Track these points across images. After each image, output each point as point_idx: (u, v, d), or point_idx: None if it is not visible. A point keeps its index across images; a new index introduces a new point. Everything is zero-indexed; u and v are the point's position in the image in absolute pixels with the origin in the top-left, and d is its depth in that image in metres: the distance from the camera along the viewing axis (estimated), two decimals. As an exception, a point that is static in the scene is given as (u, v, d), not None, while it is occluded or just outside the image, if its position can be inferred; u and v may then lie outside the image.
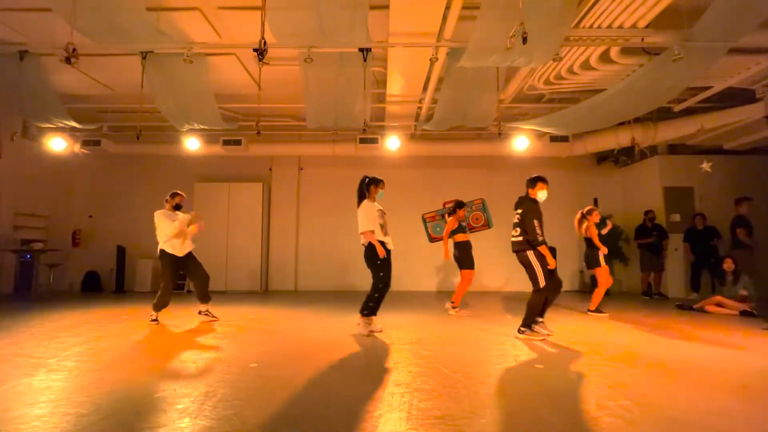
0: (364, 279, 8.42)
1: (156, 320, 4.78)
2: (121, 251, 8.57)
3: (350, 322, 4.95)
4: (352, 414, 2.12)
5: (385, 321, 4.61)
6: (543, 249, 3.94)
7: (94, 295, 8.10)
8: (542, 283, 3.92)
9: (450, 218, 5.83)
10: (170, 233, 4.76)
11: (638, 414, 2.12)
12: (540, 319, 4.07)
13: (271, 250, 9.03)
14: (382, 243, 4.17)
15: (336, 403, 2.28)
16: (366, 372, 2.90)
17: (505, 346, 3.65)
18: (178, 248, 4.84)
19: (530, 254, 3.96)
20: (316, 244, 9.01)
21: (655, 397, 2.38)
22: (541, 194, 4.09)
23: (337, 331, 4.37)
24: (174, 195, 4.96)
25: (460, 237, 5.74)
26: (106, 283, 8.80)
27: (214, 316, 5.03)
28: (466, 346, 3.72)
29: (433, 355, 3.33)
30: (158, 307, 4.79)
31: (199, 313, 5.03)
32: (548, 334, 3.99)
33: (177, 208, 4.95)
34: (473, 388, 2.52)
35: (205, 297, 5.05)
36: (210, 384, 2.62)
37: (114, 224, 9.02)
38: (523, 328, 4.02)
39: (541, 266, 3.93)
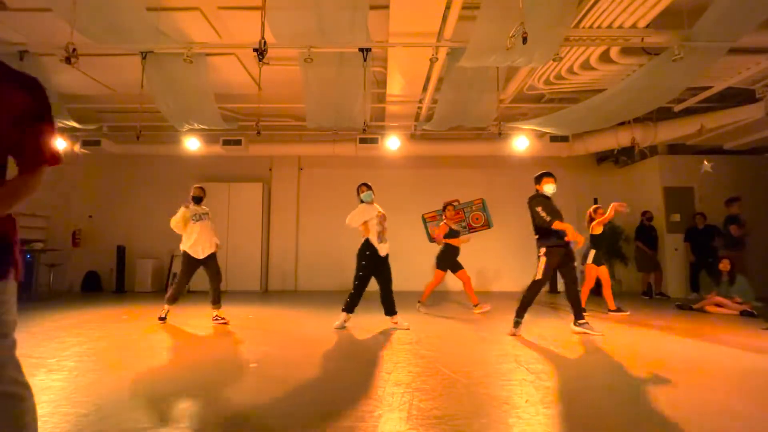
0: (364, 279, 8.45)
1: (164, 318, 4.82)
2: (121, 251, 8.57)
3: (349, 321, 4.95)
4: (352, 414, 2.12)
5: (385, 321, 4.61)
6: (557, 225, 4.07)
7: (94, 295, 8.10)
8: (538, 276, 4.16)
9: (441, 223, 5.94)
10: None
11: (638, 414, 2.12)
12: (582, 321, 4.23)
13: (271, 250, 9.02)
14: (375, 249, 4.44)
15: (336, 402, 2.29)
16: (366, 372, 2.90)
17: (505, 346, 3.65)
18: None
19: (541, 251, 4.19)
20: (316, 244, 9.01)
21: (655, 397, 2.38)
22: (547, 188, 4.32)
23: (336, 331, 4.37)
24: (193, 187, 5.06)
25: (452, 240, 5.84)
26: (106, 283, 8.79)
27: (224, 320, 4.87)
28: (466, 346, 3.72)
29: (433, 355, 3.33)
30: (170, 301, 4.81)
31: (213, 319, 4.87)
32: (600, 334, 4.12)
33: (196, 200, 4.96)
34: (473, 388, 2.52)
35: (215, 302, 4.91)
36: (210, 384, 2.62)
37: (114, 224, 9.01)
38: (517, 319, 4.19)
39: (546, 263, 4.12)
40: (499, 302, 6.93)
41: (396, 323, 4.49)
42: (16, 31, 4.94)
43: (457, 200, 8.80)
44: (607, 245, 8.49)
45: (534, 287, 4.20)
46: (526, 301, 4.21)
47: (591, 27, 4.49)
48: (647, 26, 4.46)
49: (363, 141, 7.71)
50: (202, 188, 5.08)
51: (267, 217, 9.06)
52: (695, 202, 7.78)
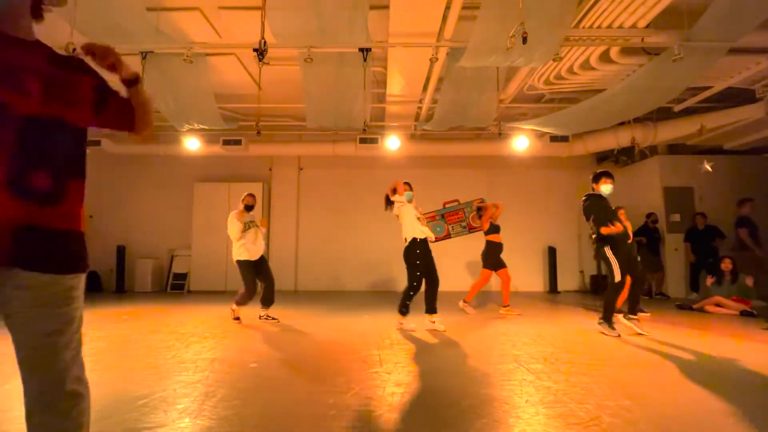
0: (363, 279, 8.47)
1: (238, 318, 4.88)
2: (121, 251, 8.57)
3: (349, 321, 4.96)
4: (352, 414, 2.12)
5: (386, 321, 4.61)
6: (605, 230, 4.14)
7: (94, 295, 8.10)
8: (617, 277, 4.09)
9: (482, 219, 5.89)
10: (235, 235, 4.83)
11: (638, 414, 2.12)
12: (633, 317, 4.21)
13: (271, 250, 9.02)
14: (424, 240, 4.49)
15: (336, 403, 2.28)
16: (366, 372, 2.90)
17: (505, 347, 3.65)
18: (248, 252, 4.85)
19: (607, 250, 4.15)
20: (316, 244, 9.01)
21: (655, 396, 2.38)
22: (604, 188, 4.29)
23: (336, 331, 4.38)
24: (245, 196, 5.03)
25: (493, 237, 5.77)
26: (106, 283, 8.80)
27: (273, 318, 4.94)
28: (466, 346, 3.72)
29: (433, 355, 3.33)
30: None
31: (260, 317, 4.94)
32: (642, 333, 4.06)
33: (248, 209, 4.95)
34: (473, 388, 2.52)
35: (268, 301, 4.97)
36: (210, 384, 2.62)
37: (114, 224, 9.01)
38: (602, 321, 4.18)
39: (618, 261, 4.09)
40: (500, 302, 6.92)
41: (433, 323, 4.42)
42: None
43: (456, 200, 8.83)
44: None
45: (615, 288, 4.16)
46: (610, 305, 4.17)
47: (591, 27, 4.49)
48: (647, 26, 4.46)
49: (363, 141, 7.70)
50: (254, 196, 5.08)
51: (267, 217, 9.05)
52: (695, 202, 7.79)
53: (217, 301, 6.82)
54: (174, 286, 8.62)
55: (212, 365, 3.07)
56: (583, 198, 4.41)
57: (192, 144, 7.81)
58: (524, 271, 8.82)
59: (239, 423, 2.02)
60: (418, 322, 4.53)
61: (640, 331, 4.10)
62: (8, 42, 1.07)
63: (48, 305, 1.09)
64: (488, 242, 5.75)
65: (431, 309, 4.46)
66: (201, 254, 8.56)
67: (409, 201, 4.59)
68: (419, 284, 4.44)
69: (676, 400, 2.34)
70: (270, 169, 9.20)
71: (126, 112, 1.30)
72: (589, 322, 5.02)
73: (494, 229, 5.75)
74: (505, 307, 5.66)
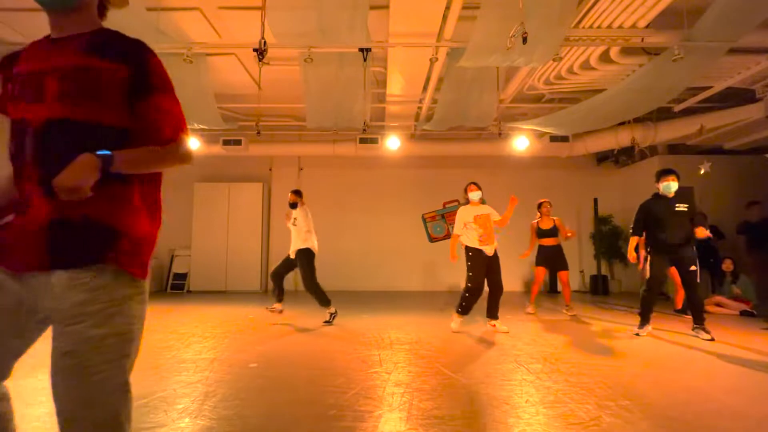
0: (362, 279, 8.46)
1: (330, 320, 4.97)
2: (121, 251, 8.56)
3: (349, 321, 4.96)
4: (352, 414, 2.12)
5: (386, 321, 4.61)
6: (632, 240, 4.36)
7: (94, 295, 8.09)
8: (646, 275, 4.22)
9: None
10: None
11: (638, 414, 2.12)
12: (697, 325, 4.08)
13: (271, 250, 9.02)
14: (476, 248, 4.41)
15: (336, 403, 2.29)
16: (366, 372, 2.90)
17: (505, 347, 3.65)
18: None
19: (649, 250, 4.30)
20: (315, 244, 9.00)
21: (655, 396, 2.38)
22: (663, 186, 4.33)
23: (336, 331, 4.37)
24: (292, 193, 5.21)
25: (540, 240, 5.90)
26: (106, 283, 8.79)
27: (327, 321, 4.90)
28: (466, 346, 3.72)
29: (433, 355, 3.33)
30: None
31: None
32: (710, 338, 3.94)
33: (292, 207, 5.13)
34: (473, 388, 2.52)
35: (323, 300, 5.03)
36: (210, 384, 2.62)
37: (114, 224, 8.99)
38: (638, 327, 4.26)
39: (650, 268, 4.18)
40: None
41: (494, 326, 4.41)
42: (16, 30, 4.94)
43: (456, 200, 8.82)
44: (607, 245, 8.52)
45: (645, 292, 4.22)
46: (642, 308, 4.23)
47: (591, 27, 4.49)
48: (647, 26, 4.46)
49: (363, 141, 7.70)
50: (295, 193, 5.20)
51: (267, 217, 9.06)
52: (695, 202, 7.77)
53: (217, 301, 6.82)
54: (174, 286, 8.62)
55: (212, 365, 3.07)
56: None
57: (192, 144, 7.80)
58: (524, 271, 8.82)
59: (239, 423, 2.02)
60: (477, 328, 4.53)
61: (707, 338, 3.96)
62: (43, 46, 1.03)
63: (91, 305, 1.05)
64: (538, 246, 5.99)
65: (492, 314, 4.45)
66: (201, 254, 8.56)
67: (476, 201, 4.58)
68: (474, 287, 4.36)
69: (676, 400, 2.34)
70: (270, 169, 9.20)
71: (168, 117, 1.09)
72: (589, 322, 5.02)
73: (542, 233, 5.95)
74: (566, 306, 5.70)
